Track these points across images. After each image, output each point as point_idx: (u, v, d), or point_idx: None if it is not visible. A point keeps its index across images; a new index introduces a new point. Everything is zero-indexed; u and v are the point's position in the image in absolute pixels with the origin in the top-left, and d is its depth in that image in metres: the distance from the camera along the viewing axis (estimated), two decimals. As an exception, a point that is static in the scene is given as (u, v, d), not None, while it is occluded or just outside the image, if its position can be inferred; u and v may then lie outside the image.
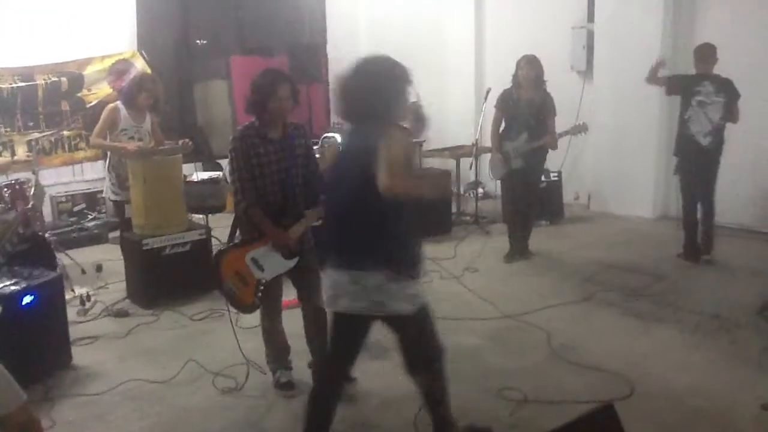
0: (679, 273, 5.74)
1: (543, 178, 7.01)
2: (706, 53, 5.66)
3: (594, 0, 8.04)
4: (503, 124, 6.17)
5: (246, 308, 3.69)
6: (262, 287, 3.60)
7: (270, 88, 3.47)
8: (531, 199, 6.29)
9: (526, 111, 5.98)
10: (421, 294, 2.84)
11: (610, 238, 7.00)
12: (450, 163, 8.20)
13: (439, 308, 4.97)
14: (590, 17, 8.17)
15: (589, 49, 8.12)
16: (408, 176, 2.63)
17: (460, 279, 5.75)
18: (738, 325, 4.57)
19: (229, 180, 3.63)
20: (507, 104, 6.08)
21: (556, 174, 7.75)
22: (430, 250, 6.42)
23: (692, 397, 3.63)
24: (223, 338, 4.32)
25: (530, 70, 5.91)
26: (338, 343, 3.04)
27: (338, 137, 8.16)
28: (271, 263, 3.59)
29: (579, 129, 6.18)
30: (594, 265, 6.01)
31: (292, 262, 3.61)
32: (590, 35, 8.12)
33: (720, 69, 5.70)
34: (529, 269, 6.02)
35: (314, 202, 3.62)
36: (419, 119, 3.25)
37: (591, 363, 4.04)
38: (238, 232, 4.82)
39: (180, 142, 5.78)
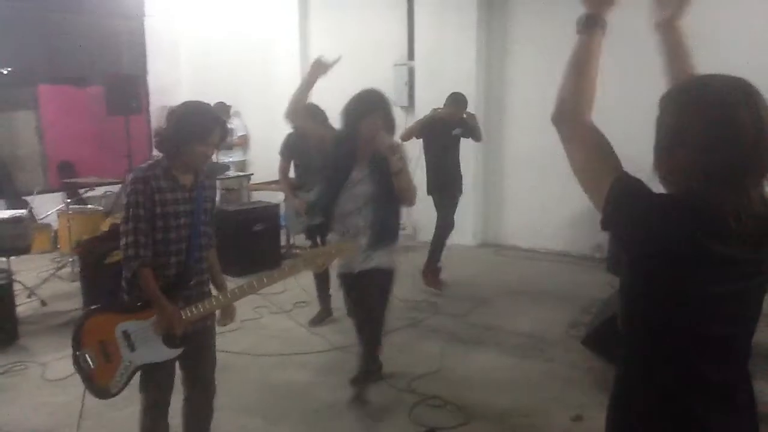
0: (498, 297, 6.06)
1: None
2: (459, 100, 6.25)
3: (414, 37, 8.43)
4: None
5: (99, 391, 2.83)
6: (127, 373, 2.79)
7: (203, 131, 2.81)
8: None
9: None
10: None
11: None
12: (278, 196, 8.11)
13: (270, 345, 4.93)
14: (410, 55, 8.54)
15: (411, 85, 8.47)
16: None
17: (290, 313, 5.67)
18: (551, 344, 4.90)
19: (121, 229, 2.77)
20: (293, 148, 5.63)
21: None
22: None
23: (511, 416, 3.82)
24: (29, 395, 3.89)
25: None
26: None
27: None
28: (147, 346, 2.78)
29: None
30: (421, 293, 6.19)
31: (173, 353, 2.83)
32: (411, 72, 8.48)
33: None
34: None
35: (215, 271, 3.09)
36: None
37: (421, 389, 4.12)
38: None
39: None
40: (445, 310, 5.67)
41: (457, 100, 6.19)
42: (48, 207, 7.72)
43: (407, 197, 3.70)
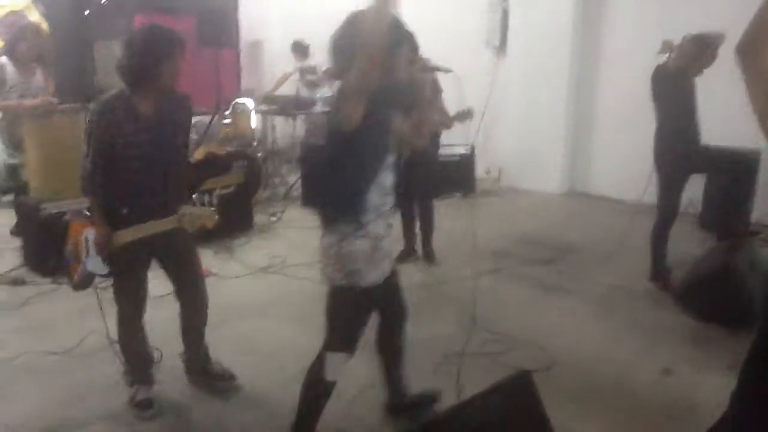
0: (583, 246, 5.95)
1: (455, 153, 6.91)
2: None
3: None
4: None
5: (73, 284, 3.20)
6: (84, 274, 3.10)
7: (167, 49, 2.86)
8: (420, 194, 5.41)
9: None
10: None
11: (520, 212, 7.18)
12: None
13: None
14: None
15: (503, 25, 8.23)
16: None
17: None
18: (637, 297, 4.80)
19: (81, 158, 2.96)
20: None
21: (468, 148, 7.84)
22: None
23: (597, 365, 3.79)
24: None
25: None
26: None
27: (249, 103, 7.95)
28: (93, 256, 3.05)
29: (464, 116, 5.14)
30: (503, 239, 6.14)
31: (104, 270, 3.06)
32: (505, 12, 8.22)
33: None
34: (440, 241, 6.06)
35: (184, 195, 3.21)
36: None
37: (505, 331, 4.12)
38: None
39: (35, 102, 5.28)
40: (530, 258, 5.62)
41: None
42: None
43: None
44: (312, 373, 2.71)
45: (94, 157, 2.90)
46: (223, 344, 3.66)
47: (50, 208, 4.90)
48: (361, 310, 2.67)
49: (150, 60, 2.85)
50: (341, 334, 2.65)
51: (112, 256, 3.01)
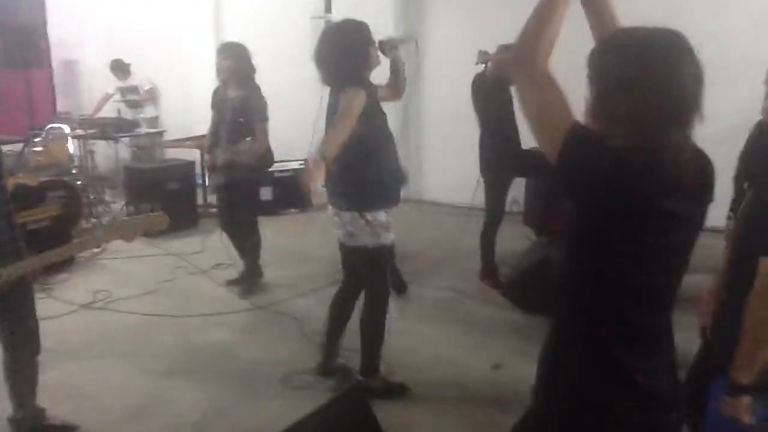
0: (418, 251, 6.11)
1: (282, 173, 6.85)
2: None
3: (330, -11, 8.24)
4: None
5: None
6: None
7: None
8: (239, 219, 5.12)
9: (225, 111, 4.96)
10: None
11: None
12: (193, 154, 7.87)
13: (187, 306, 4.82)
14: (327, 7, 8.35)
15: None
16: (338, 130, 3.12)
17: (208, 274, 5.55)
18: (470, 296, 5.02)
19: None
20: (214, 101, 5.11)
21: (302, 163, 7.82)
22: (176, 245, 6.18)
23: (434, 365, 3.91)
24: None
25: (223, 59, 4.90)
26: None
27: (65, 128, 7.42)
28: None
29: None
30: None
31: None
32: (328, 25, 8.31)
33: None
34: (278, 258, 5.98)
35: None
36: (395, 72, 3.60)
37: (344, 345, 4.12)
38: None
39: None
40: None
41: None
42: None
43: (402, 90, 3.66)
44: (370, 319, 3.49)
45: None
46: (44, 390, 3.34)
47: None
48: (387, 262, 3.50)
49: None
50: (383, 280, 3.47)
51: None
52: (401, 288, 5.02)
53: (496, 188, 5.19)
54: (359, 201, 3.27)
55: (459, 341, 4.25)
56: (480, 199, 5.35)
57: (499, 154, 5.01)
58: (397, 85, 3.63)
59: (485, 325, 4.49)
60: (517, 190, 6.33)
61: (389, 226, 3.39)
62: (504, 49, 4.76)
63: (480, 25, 7.26)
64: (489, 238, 5.21)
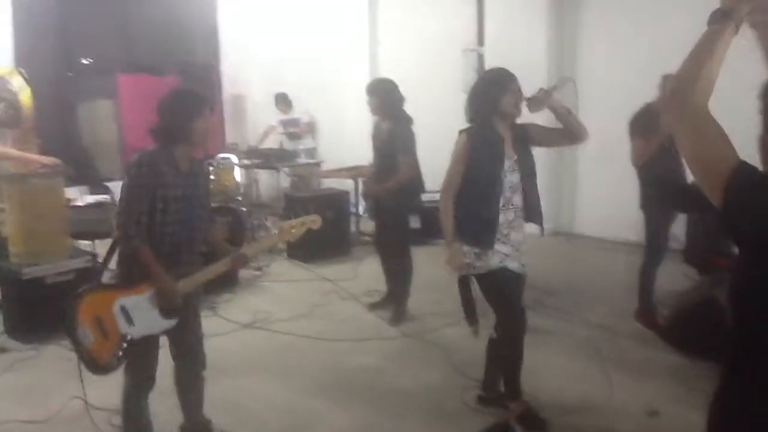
0: (568, 287, 5.95)
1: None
2: None
3: (483, 22, 8.32)
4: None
5: (97, 368, 2.93)
6: (125, 345, 2.93)
7: (195, 111, 2.97)
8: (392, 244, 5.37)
9: (378, 143, 5.27)
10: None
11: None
12: (347, 183, 8.20)
13: (338, 329, 5.01)
14: (480, 40, 8.44)
15: (480, 71, 8.38)
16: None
17: (359, 299, 5.73)
18: (624, 336, 4.80)
19: (118, 209, 2.99)
20: (373, 134, 5.37)
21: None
22: (330, 271, 6.44)
23: (583, 409, 3.77)
24: (115, 373, 4.05)
25: (370, 97, 5.19)
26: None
27: (233, 158, 8.02)
28: (145, 318, 2.93)
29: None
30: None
31: (170, 323, 3.01)
32: (480, 58, 8.38)
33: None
34: (428, 287, 6.05)
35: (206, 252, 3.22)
36: (561, 119, 3.51)
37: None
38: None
39: (45, 160, 5.27)
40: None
41: None
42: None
43: (582, 131, 3.50)
44: (503, 342, 3.61)
45: (138, 205, 2.90)
46: (206, 403, 3.61)
47: (31, 272, 4.88)
48: (505, 285, 3.64)
49: (179, 120, 2.96)
50: (504, 303, 3.62)
51: (177, 307, 2.99)
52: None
53: (658, 223, 4.95)
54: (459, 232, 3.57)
55: (611, 383, 4.07)
56: (633, 233, 5.13)
57: (661, 188, 4.79)
58: (569, 131, 3.50)
59: (640, 368, 4.26)
60: (677, 226, 6.00)
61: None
62: (667, 79, 4.57)
63: (634, 53, 7.02)
64: (648, 276, 4.97)
